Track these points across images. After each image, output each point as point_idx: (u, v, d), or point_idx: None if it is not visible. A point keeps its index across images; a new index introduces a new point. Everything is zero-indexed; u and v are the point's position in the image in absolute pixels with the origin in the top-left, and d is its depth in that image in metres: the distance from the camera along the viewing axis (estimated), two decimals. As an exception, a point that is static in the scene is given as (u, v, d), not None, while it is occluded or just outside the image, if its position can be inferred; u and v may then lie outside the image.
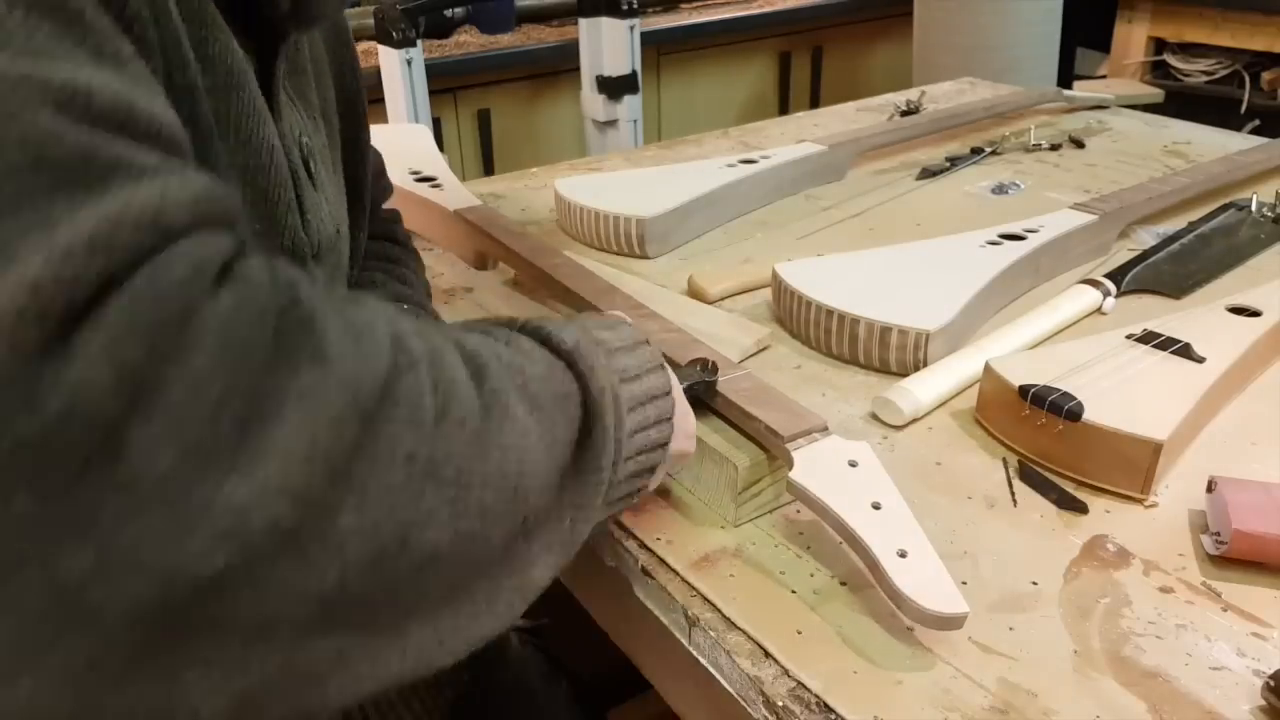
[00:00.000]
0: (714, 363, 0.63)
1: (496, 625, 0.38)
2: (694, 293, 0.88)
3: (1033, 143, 1.27)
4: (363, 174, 0.71)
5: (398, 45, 1.81)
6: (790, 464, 0.55)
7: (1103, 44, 2.56)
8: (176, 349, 0.27)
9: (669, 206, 0.97)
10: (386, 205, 0.83)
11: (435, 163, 1.08)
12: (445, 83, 2.04)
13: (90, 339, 0.26)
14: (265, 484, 0.28)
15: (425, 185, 1.01)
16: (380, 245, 0.79)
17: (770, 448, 0.58)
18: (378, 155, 0.80)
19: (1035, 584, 0.54)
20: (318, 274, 0.55)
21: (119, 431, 0.26)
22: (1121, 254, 0.95)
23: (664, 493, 0.62)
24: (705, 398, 0.62)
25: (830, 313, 0.76)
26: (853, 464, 0.55)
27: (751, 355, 0.78)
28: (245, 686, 0.29)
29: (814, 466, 0.54)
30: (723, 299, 0.88)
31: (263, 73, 0.51)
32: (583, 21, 2.04)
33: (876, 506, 0.52)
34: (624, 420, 0.46)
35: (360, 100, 0.70)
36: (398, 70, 1.81)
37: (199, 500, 0.27)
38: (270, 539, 0.28)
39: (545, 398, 0.40)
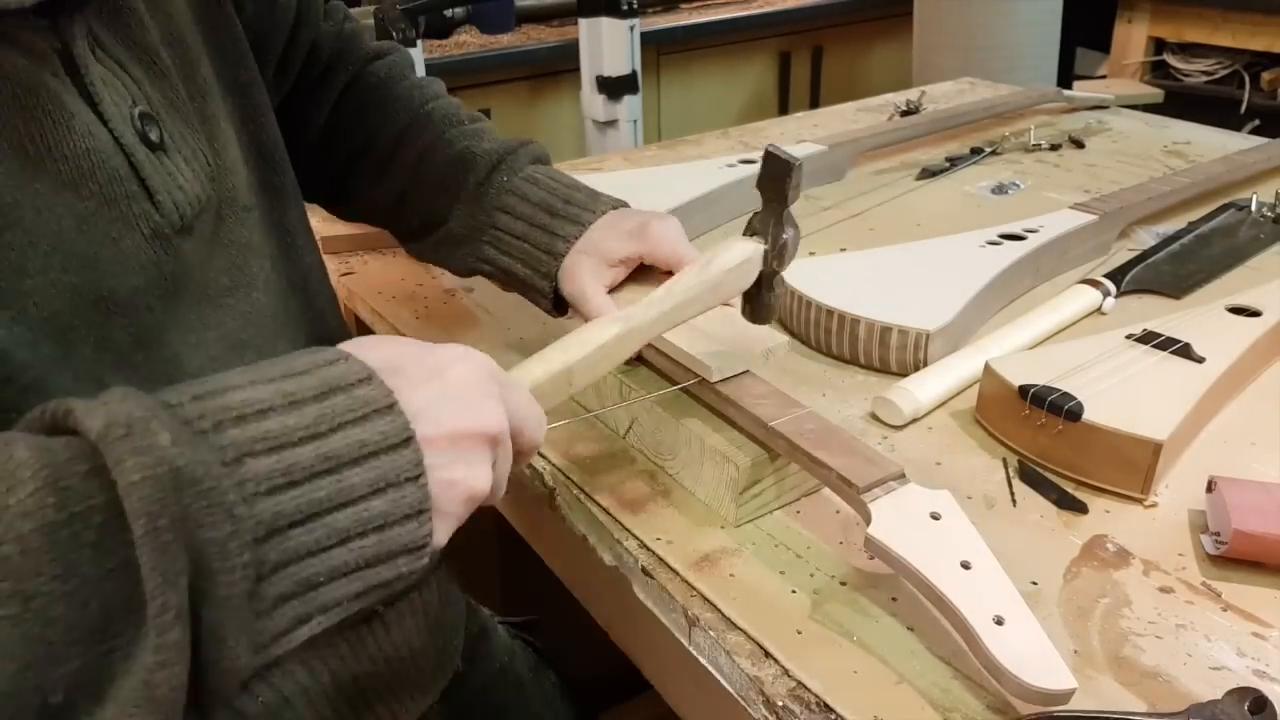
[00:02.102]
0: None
1: None
2: None
3: (1033, 143, 1.27)
4: (246, 80, 0.61)
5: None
6: (866, 517, 0.51)
7: (1103, 44, 2.56)
8: None
9: (669, 206, 0.97)
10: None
11: None
12: (445, 82, 2.03)
13: None
14: None
15: None
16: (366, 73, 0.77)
17: (844, 498, 0.54)
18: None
19: (1035, 584, 0.54)
20: (185, 246, 0.50)
21: None
22: (1121, 254, 0.95)
23: (664, 493, 0.62)
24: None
25: (830, 313, 0.76)
26: (935, 516, 0.50)
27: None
28: None
29: (893, 520, 0.50)
30: None
31: (64, 54, 0.46)
32: (583, 21, 2.04)
33: (966, 566, 0.47)
34: (234, 508, 0.33)
35: (186, 6, 0.58)
36: (398, 70, 1.80)
37: None
38: None
39: (11, 547, 0.29)
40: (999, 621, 0.45)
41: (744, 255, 0.61)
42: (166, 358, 0.50)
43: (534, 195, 0.70)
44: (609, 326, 0.56)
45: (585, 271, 0.67)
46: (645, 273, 0.69)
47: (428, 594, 0.66)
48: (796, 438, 0.56)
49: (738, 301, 0.65)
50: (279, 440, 0.35)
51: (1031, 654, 0.44)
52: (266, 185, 0.62)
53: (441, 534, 0.40)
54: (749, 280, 0.62)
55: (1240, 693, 0.45)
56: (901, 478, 0.53)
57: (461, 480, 0.40)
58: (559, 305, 0.70)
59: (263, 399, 0.35)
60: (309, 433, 0.35)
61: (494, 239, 0.71)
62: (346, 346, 0.41)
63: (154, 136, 0.50)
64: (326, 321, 0.66)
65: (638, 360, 0.68)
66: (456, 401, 0.41)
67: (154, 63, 0.53)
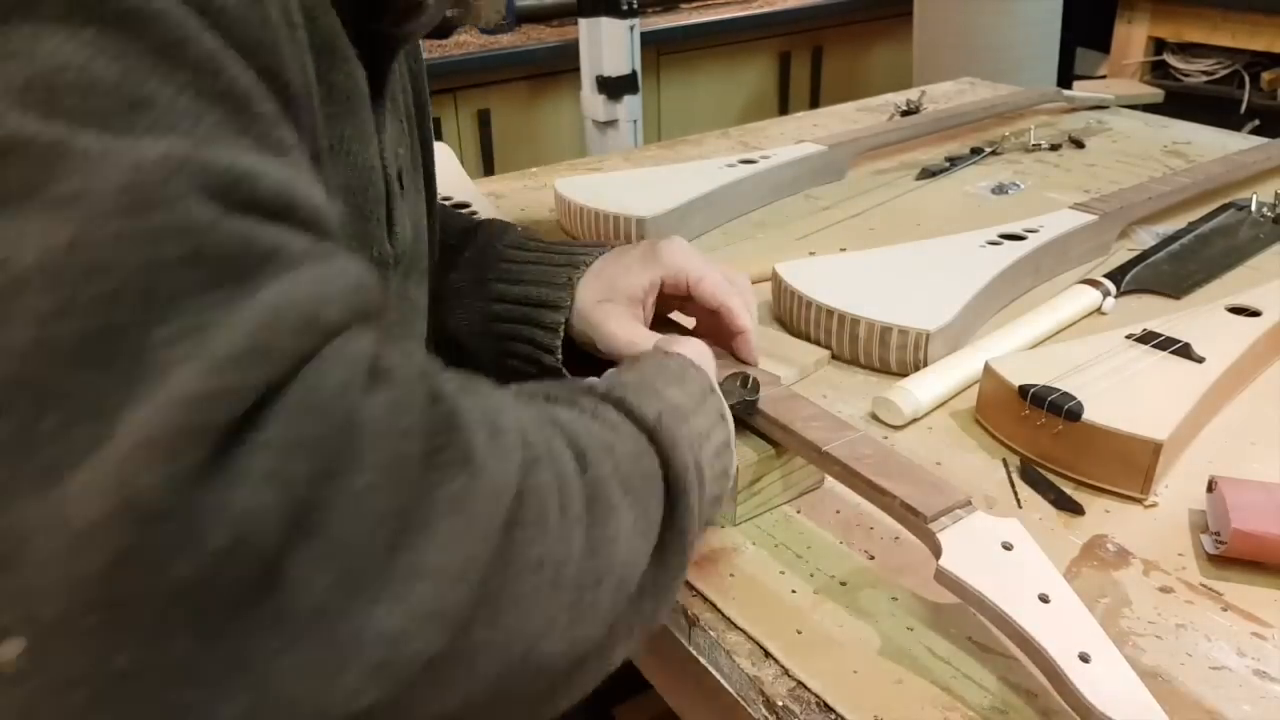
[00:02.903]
0: (755, 379, 0.60)
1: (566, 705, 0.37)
2: None
3: (1033, 143, 1.27)
4: (431, 165, 0.67)
5: (398, 45, 1.81)
6: (934, 548, 0.49)
7: (1103, 44, 2.56)
8: (339, 467, 0.25)
9: (669, 206, 0.97)
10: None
11: (463, 186, 1.07)
12: (445, 83, 2.04)
13: (252, 461, 0.24)
14: (417, 608, 0.26)
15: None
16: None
17: (908, 527, 0.52)
18: None
19: (1035, 584, 0.54)
20: (392, 283, 0.54)
21: (279, 561, 0.24)
22: (1121, 254, 0.95)
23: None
24: (745, 417, 0.59)
25: (830, 313, 0.76)
26: (1007, 546, 0.48)
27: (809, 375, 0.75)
28: None
29: (965, 551, 0.48)
30: None
31: (373, 86, 0.49)
32: (583, 21, 2.04)
33: (1044, 599, 0.45)
34: (706, 488, 0.45)
35: (426, 88, 0.65)
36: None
37: (351, 631, 0.25)
38: (418, 667, 0.27)
39: (636, 479, 0.39)
40: (1085, 658, 0.43)
41: None
42: None
43: (536, 245, 0.69)
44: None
45: (615, 319, 0.64)
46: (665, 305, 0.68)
47: None
48: (853, 463, 0.54)
49: (752, 324, 0.66)
50: (705, 432, 0.48)
51: (1121, 692, 0.42)
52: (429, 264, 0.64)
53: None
54: None
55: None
56: (968, 505, 0.51)
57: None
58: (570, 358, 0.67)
59: (685, 404, 0.47)
60: (708, 429, 0.49)
61: (501, 273, 0.68)
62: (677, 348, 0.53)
63: (403, 178, 0.54)
64: None
65: None
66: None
67: (400, 121, 0.57)
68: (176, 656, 0.23)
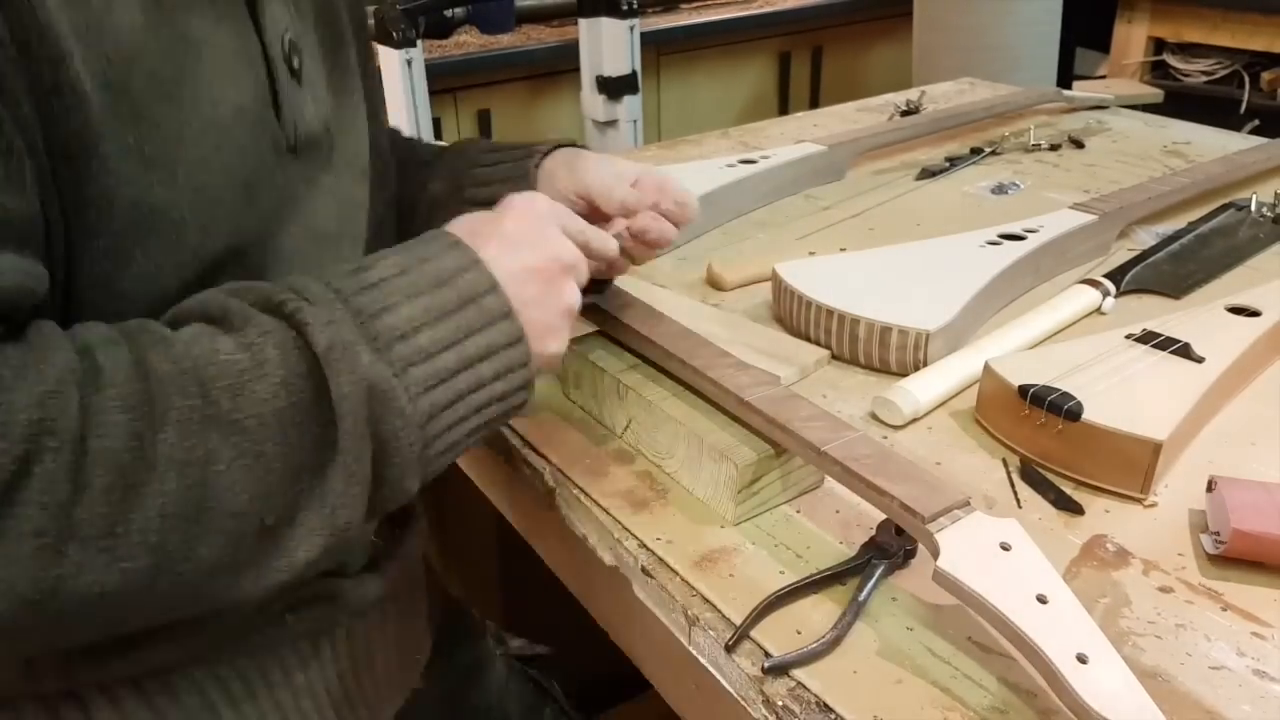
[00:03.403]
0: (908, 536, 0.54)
1: (288, 573, 0.45)
2: (712, 281, 0.90)
3: (1032, 143, 1.27)
4: (368, 69, 0.68)
5: (398, 45, 1.81)
6: (932, 549, 0.49)
7: (1102, 44, 2.56)
8: None
9: (669, 206, 0.97)
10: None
11: None
12: (445, 83, 2.04)
13: None
14: None
15: None
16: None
17: (906, 527, 0.52)
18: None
19: (1035, 584, 0.54)
20: (292, 170, 0.54)
21: None
22: (1121, 254, 0.95)
23: (664, 492, 0.62)
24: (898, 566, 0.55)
25: (830, 313, 0.76)
26: (1005, 547, 0.48)
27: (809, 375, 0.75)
28: None
29: (962, 552, 0.48)
30: (739, 287, 0.89)
31: None
32: (582, 21, 2.04)
33: (1042, 600, 0.45)
34: (405, 409, 0.46)
35: (360, 10, 0.67)
36: (398, 70, 1.81)
37: None
38: None
39: (252, 420, 0.42)
40: (1082, 659, 0.43)
41: None
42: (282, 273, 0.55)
43: (502, 144, 0.73)
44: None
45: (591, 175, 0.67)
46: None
47: (406, 603, 0.67)
48: (852, 463, 0.54)
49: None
50: (430, 350, 0.47)
51: (1119, 693, 0.42)
52: (376, 175, 0.65)
53: (555, 347, 0.54)
54: None
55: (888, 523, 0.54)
56: (967, 505, 0.51)
57: (554, 303, 0.54)
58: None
59: (417, 317, 0.47)
60: (451, 341, 0.48)
61: (473, 178, 0.71)
62: (458, 231, 0.52)
63: (295, 64, 0.55)
64: None
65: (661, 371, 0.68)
66: (524, 244, 0.53)
67: (308, 9, 0.58)
68: None
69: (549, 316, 0.53)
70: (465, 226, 0.53)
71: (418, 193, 0.74)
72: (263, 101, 0.52)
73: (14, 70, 0.40)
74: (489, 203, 0.64)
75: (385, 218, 0.69)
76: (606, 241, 0.61)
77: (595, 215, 0.67)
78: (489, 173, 0.71)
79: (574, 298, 0.55)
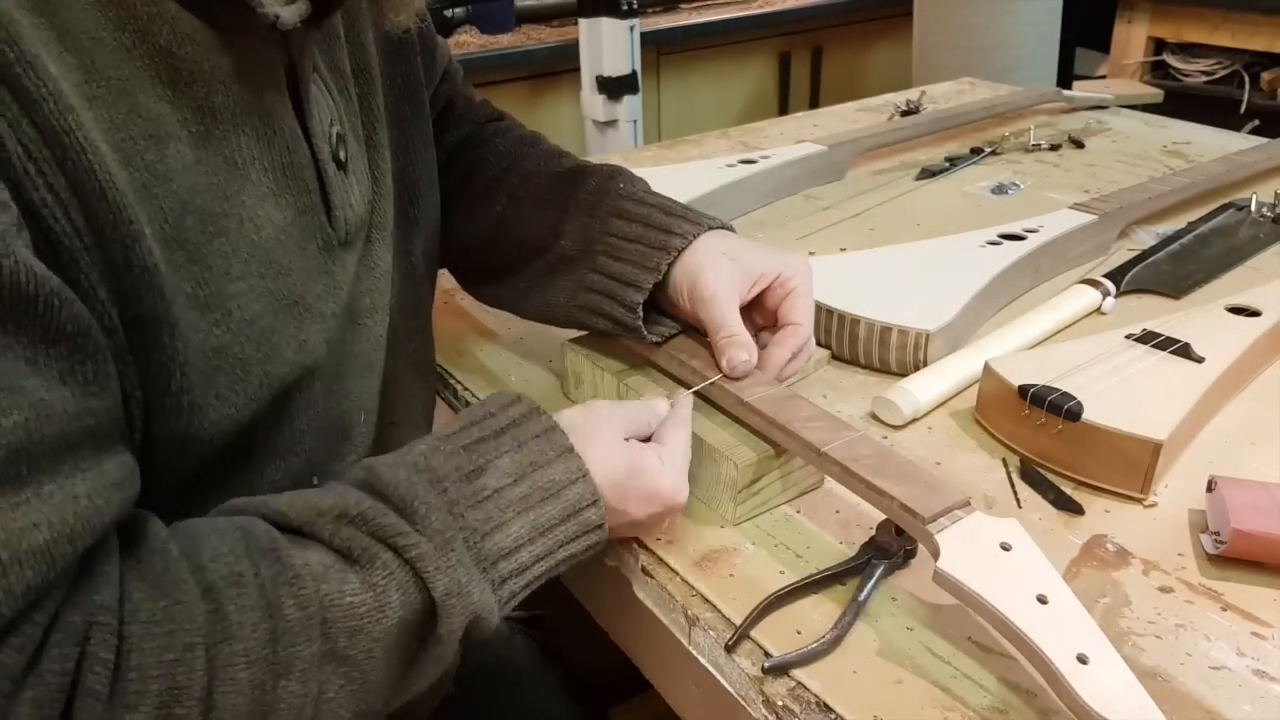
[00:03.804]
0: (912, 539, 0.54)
1: None
2: None
3: (1032, 143, 1.27)
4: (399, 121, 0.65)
5: (398, 45, 1.81)
6: (932, 550, 0.49)
7: (1103, 44, 2.56)
8: None
9: (669, 206, 0.97)
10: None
11: None
12: (445, 83, 2.04)
13: None
14: None
15: None
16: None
17: (906, 528, 0.52)
18: (446, 56, 0.77)
19: (1035, 584, 0.54)
20: (346, 261, 0.54)
21: None
22: (1121, 254, 0.95)
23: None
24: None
25: (830, 313, 0.76)
26: (1005, 547, 0.48)
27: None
28: None
29: (962, 552, 0.48)
30: None
31: (289, 69, 0.50)
32: (582, 22, 2.04)
33: (1042, 600, 0.45)
34: (494, 622, 0.48)
35: (370, 53, 0.61)
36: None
37: None
38: None
39: (363, 655, 0.44)
40: (1082, 660, 0.43)
41: None
42: (342, 372, 0.56)
43: (650, 199, 0.67)
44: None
45: (725, 274, 0.62)
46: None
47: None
48: (851, 464, 0.54)
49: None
50: (527, 565, 0.49)
51: (1119, 693, 0.41)
52: (403, 216, 0.64)
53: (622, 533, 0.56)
54: None
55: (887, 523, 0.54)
56: (967, 505, 0.51)
57: (627, 529, 0.56)
58: (658, 322, 0.66)
59: (524, 535, 0.49)
60: (546, 554, 0.50)
61: (608, 247, 0.65)
62: (570, 429, 0.52)
63: (342, 156, 0.54)
64: (427, 346, 0.70)
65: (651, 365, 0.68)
66: (629, 469, 0.53)
67: (345, 88, 0.57)
68: None
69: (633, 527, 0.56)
70: (608, 457, 0.53)
71: (548, 233, 0.69)
72: (312, 208, 0.52)
73: (89, 260, 0.40)
74: (618, 278, 0.64)
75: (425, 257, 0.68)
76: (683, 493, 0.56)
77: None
78: (621, 249, 0.65)
79: (651, 531, 0.58)
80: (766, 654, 0.50)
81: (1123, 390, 0.64)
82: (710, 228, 0.65)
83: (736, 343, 0.61)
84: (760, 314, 0.67)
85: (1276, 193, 1.04)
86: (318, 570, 0.43)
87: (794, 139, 1.22)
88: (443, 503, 0.46)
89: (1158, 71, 2.48)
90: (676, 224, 0.64)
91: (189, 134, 0.45)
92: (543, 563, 0.50)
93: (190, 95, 0.45)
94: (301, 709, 0.42)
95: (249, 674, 0.40)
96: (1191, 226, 0.99)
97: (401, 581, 0.44)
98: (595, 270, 0.66)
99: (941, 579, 0.48)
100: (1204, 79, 2.39)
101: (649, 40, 2.20)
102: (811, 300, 0.66)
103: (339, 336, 0.54)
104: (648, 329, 0.65)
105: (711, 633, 0.52)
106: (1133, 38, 2.48)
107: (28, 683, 0.35)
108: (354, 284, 0.56)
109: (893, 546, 0.54)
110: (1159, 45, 2.47)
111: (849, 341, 0.75)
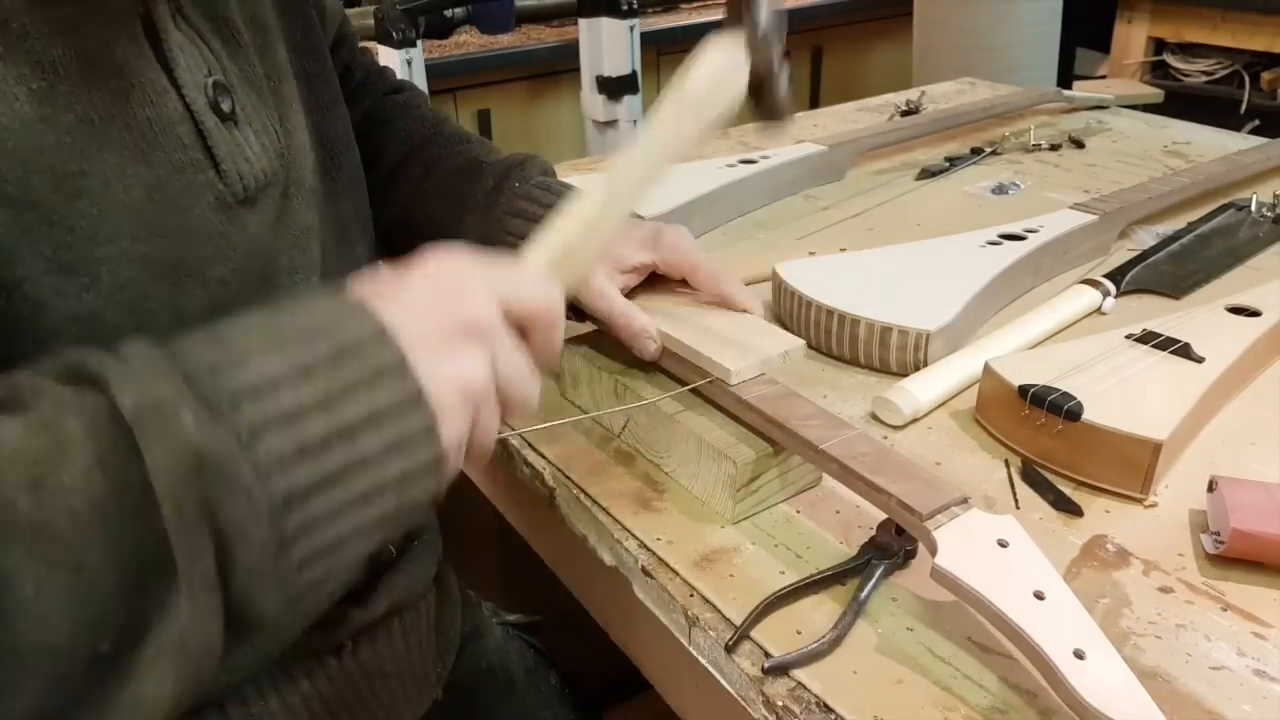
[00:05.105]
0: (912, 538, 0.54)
1: (134, 715, 0.34)
2: None
3: (1032, 143, 1.27)
4: (306, 75, 0.62)
5: (398, 45, 1.81)
6: (930, 546, 0.49)
7: (1103, 44, 2.56)
8: None
9: (669, 207, 0.97)
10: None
11: None
12: (445, 83, 2.04)
13: None
14: None
15: None
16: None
17: (905, 525, 0.52)
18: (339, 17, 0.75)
19: (1035, 584, 0.54)
20: (248, 220, 0.51)
21: None
22: (1121, 254, 0.95)
23: (663, 492, 0.62)
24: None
25: (830, 313, 0.76)
26: (1002, 543, 0.48)
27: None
28: None
29: (960, 549, 0.48)
30: None
31: (145, 19, 0.47)
32: (582, 22, 2.04)
33: (1039, 596, 0.45)
34: (251, 488, 0.35)
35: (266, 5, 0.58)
36: (398, 70, 1.80)
37: None
38: None
39: (63, 518, 0.32)
40: (1079, 655, 0.43)
41: (718, 55, 0.54)
42: None
43: (545, 200, 0.69)
44: (594, 190, 0.52)
45: (599, 276, 0.65)
46: (658, 282, 0.69)
47: (411, 618, 0.66)
48: (850, 461, 0.54)
49: (756, 307, 0.67)
50: (292, 414, 0.36)
51: (1117, 689, 0.42)
52: (325, 174, 0.62)
53: (447, 431, 0.40)
54: (738, 81, 0.55)
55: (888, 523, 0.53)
56: (965, 502, 0.51)
57: (445, 372, 0.40)
58: (576, 312, 0.68)
59: (277, 372, 0.36)
60: (321, 404, 0.36)
61: (507, 247, 0.67)
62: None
63: (225, 107, 0.50)
64: None
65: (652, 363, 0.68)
66: (429, 303, 0.42)
67: (233, 36, 0.54)
68: None
69: (439, 389, 0.40)
70: (362, 288, 0.42)
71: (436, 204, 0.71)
72: (192, 165, 0.48)
73: None
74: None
75: (349, 227, 0.65)
76: (538, 300, 0.46)
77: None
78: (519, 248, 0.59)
79: (476, 374, 0.42)
80: (767, 654, 0.50)
81: (1123, 390, 0.64)
82: None
83: (641, 336, 0.64)
84: (674, 282, 0.69)
85: (1276, 193, 1.04)
86: None
87: (794, 139, 1.22)
88: (154, 349, 0.36)
89: (1158, 71, 2.48)
90: None
91: (28, 91, 0.42)
92: (321, 415, 0.36)
93: (24, 50, 0.42)
94: None
95: None
96: (1191, 226, 0.99)
97: (80, 405, 0.34)
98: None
99: (939, 575, 0.48)
100: (1204, 79, 2.39)
101: (649, 40, 2.19)
102: (690, 240, 0.68)
103: (246, 300, 0.48)
104: None
105: (711, 633, 0.52)
106: (1133, 38, 2.48)
107: None
108: (269, 244, 0.53)
109: (893, 546, 0.54)
110: (1159, 45, 2.47)
111: (849, 341, 0.75)
